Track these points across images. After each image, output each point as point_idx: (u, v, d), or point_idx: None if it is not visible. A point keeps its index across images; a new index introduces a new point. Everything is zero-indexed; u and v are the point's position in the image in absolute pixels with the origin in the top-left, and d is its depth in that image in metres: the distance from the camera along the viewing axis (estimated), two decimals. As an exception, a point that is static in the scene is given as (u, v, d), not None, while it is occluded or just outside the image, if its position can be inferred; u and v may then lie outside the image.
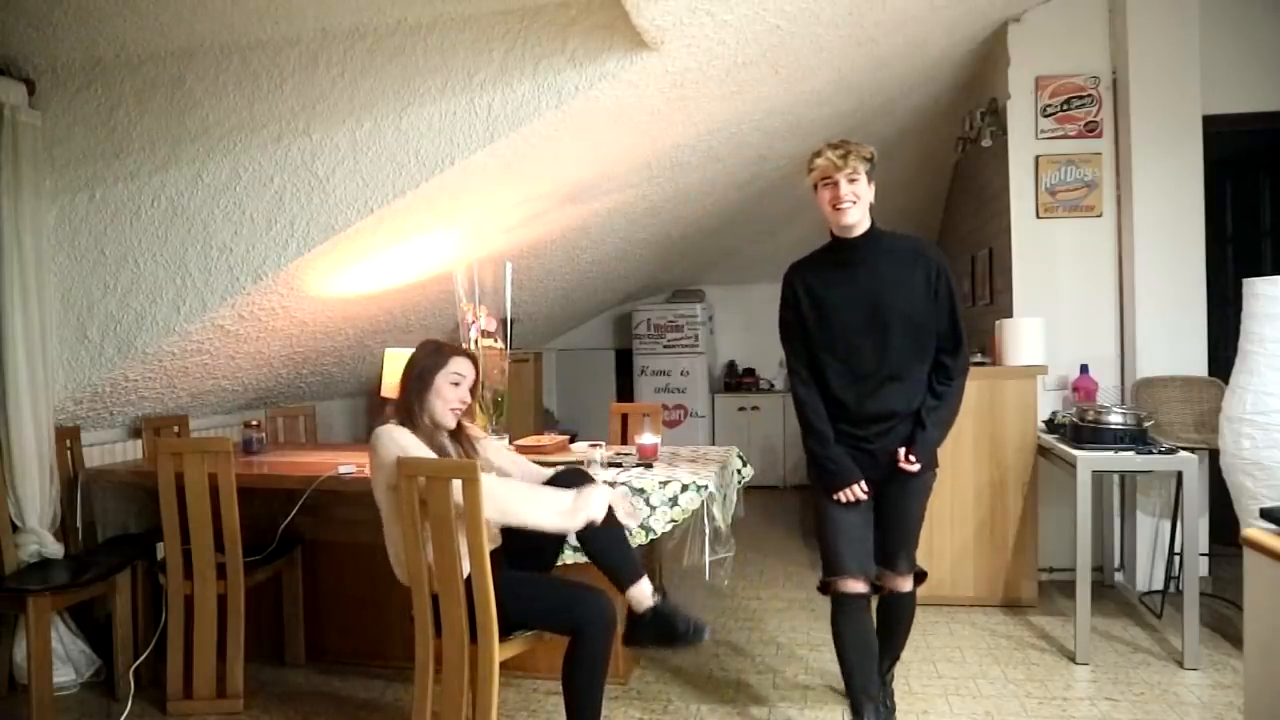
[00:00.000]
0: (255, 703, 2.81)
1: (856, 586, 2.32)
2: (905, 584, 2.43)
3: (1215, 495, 3.53)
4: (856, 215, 2.24)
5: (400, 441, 2.19)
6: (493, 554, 2.18)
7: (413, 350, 2.40)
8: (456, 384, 2.32)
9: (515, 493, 2.21)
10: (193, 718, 2.72)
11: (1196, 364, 3.77)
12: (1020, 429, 3.61)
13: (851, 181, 2.22)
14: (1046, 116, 3.98)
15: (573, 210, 3.88)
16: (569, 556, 2.54)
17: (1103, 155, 3.95)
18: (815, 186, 2.27)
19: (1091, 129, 3.96)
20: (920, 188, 5.88)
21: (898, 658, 2.63)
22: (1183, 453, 3.04)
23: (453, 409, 2.32)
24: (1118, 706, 2.68)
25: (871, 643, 2.38)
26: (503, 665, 2.18)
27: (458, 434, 2.40)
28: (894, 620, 2.52)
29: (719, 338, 7.26)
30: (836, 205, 2.23)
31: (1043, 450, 3.58)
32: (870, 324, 2.28)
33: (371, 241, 3.10)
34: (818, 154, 2.24)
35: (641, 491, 2.63)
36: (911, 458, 2.28)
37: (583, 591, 2.20)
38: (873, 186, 2.26)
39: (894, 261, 2.29)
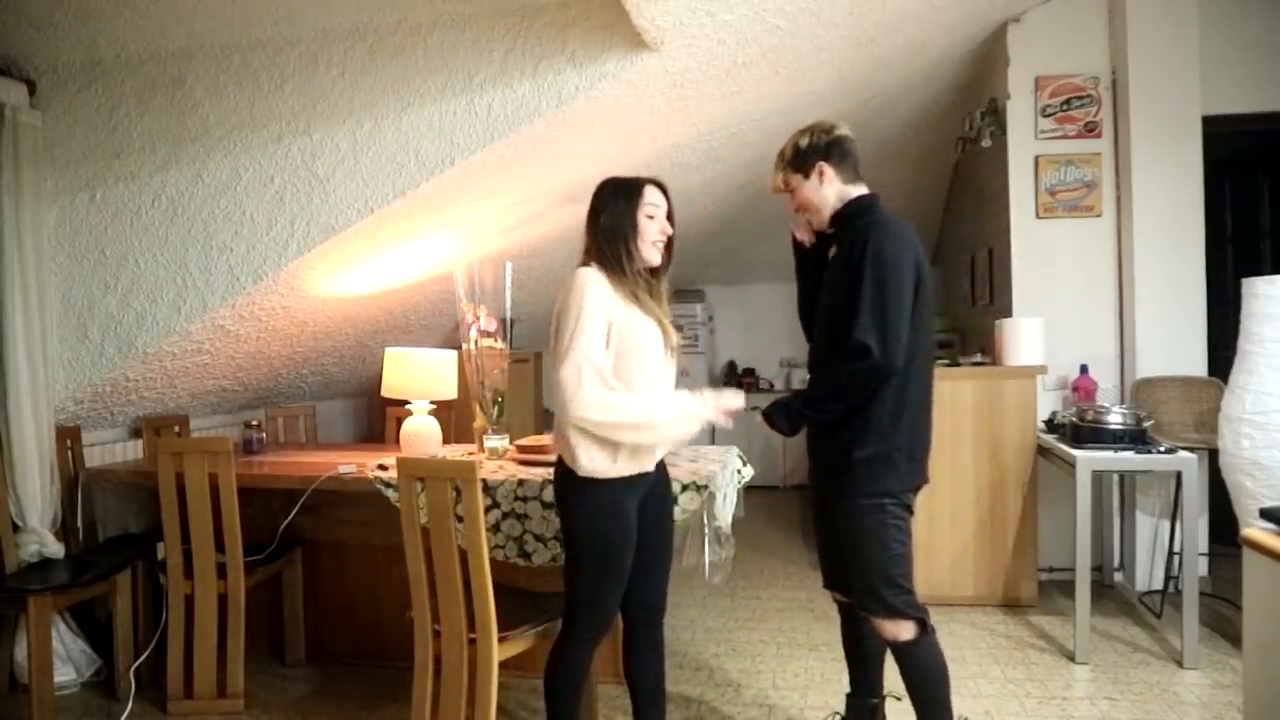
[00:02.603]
0: (255, 703, 2.81)
1: (832, 591, 2.31)
2: (883, 627, 2.03)
3: (1215, 495, 3.53)
4: (816, 223, 2.16)
5: (596, 294, 1.98)
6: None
7: (590, 200, 2.12)
8: (652, 217, 2.07)
9: (631, 403, 1.98)
10: (193, 717, 2.72)
11: (1196, 364, 3.78)
12: (1020, 429, 3.61)
13: (791, 193, 2.15)
14: (1046, 116, 3.99)
15: (573, 210, 3.87)
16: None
17: (1102, 155, 3.96)
18: None
19: (1091, 129, 3.96)
20: (920, 188, 5.88)
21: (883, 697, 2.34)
22: (1182, 453, 3.04)
23: (655, 243, 2.10)
24: (1117, 706, 2.68)
25: (855, 651, 2.30)
26: (502, 665, 2.18)
27: (656, 279, 2.19)
28: (901, 673, 2.06)
29: (719, 338, 7.25)
30: None
31: (1042, 450, 3.58)
32: (823, 313, 2.16)
33: (371, 241, 3.10)
34: None
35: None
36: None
37: (600, 589, 2.03)
38: (819, 174, 2.07)
39: (841, 241, 2.10)
